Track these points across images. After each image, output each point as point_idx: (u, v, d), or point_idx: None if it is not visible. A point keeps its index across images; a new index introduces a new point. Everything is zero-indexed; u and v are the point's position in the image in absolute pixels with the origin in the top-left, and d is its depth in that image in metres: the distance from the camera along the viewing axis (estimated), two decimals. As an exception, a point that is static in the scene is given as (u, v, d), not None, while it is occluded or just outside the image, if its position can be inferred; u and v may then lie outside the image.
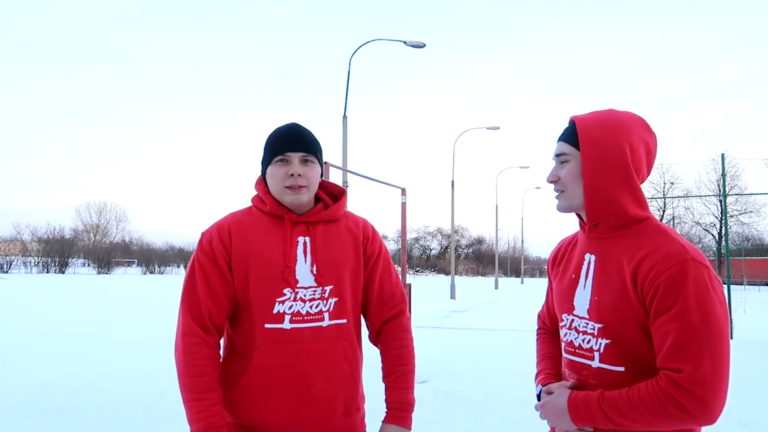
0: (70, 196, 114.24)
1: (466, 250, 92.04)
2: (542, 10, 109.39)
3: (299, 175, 1.72)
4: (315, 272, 1.73)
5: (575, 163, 1.48)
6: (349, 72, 16.28)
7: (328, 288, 1.74)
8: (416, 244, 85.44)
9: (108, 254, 67.45)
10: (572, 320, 1.53)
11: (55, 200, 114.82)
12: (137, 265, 72.83)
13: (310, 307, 1.72)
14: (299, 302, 1.71)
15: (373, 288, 1.85)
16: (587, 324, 1.48)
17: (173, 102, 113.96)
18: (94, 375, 7.07)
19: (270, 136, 1.80)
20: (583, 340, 1.49)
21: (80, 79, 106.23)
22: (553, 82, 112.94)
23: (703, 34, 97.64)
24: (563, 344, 1.58)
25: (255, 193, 1.85)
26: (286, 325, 1.69)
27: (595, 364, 1.46)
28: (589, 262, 1.51)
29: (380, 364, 1.87)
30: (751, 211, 38.17)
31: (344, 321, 1.76)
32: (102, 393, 6.10)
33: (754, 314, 16.94)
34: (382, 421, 1.79)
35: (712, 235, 41.87)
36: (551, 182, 1.54)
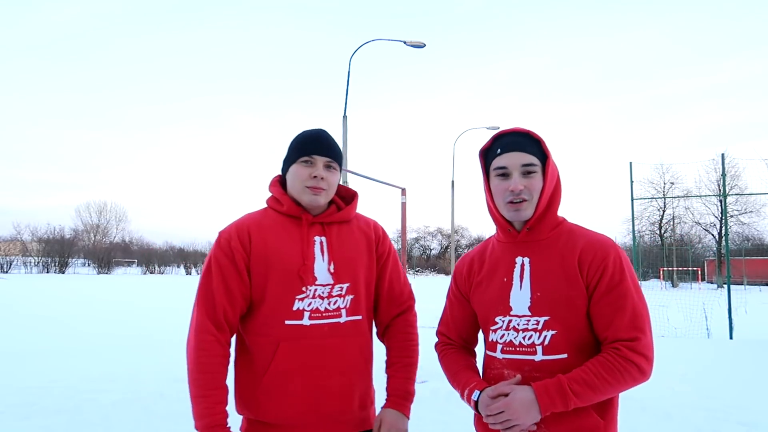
0: (70, 196, 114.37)
1: (466, 250, 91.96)
2: (542, 11, 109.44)
3: (322, 178, 1.79)
4: (332, 270, 1.79)
5: (539, 176, 1.63)
6: (349, 72, 16.28)
7: (344, 285, 1.81)
8: (416, 244, 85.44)
9: (108, 254, 67.51)
10: (509, 321, 1.63)
11: (55, 200, 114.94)
12: (137, 265, 72.87)
13: (328, 303, 1.77)
14: (318, 299, 1.76)
15: (384, 285, 1.93)
16: (528, 321, 1.60)
17: (173, 102, 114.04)
18: (94, 375, 7.07)
19: (298, 137, 1.87)
20: (524, 338, 1.60)
21: (80, 79, 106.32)
22: (553, 82, 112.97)
23: (703, 34, 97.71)
24: (499, 346, 1.65)
25: (269, 195, 1.90)
26: (306, 321, 1.74)
27: (538, 357, 1.58)
28: (522, 264, 1.64)
29: (384, 359, 1.91)
30: (751, 211, 38.15)
31: (360, 317, 1.83)
32: (102, 393, 6.09)
33: (754, 314, 16.93)
34: (382, 407, 1.85)
35: (712, 235, 41.87)
36: (518, 191, 1.61)
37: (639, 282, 1.61)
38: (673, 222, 41.74)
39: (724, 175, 13.77)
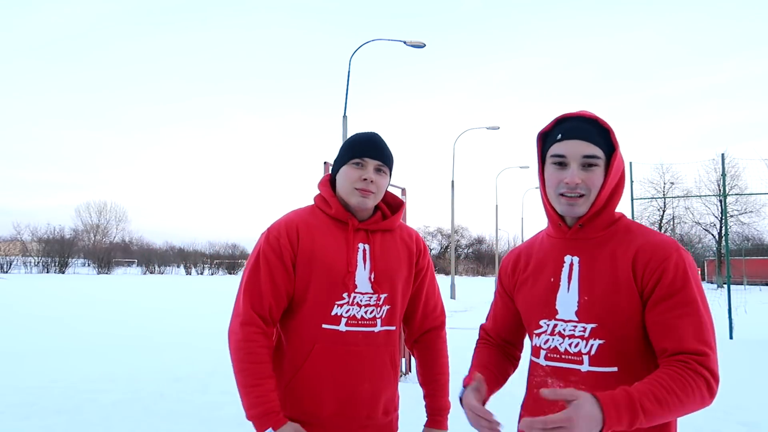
0: (70, 196, 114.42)
1: (466, 250, 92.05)
2: (542, 11, 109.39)
3: (372, 181, 1.79)
4: (372, 279, 1.81)
5: (601, 169, 1.43)
6: (349, 72, 16.28)
7: (383, 296, 1.82)
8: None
9: (108, 254, 67.51)
10: (555, 325, 1.47)
11: (55, 200, 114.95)
12: (137, 265, 72.85)
13: (365, 312, 1.79)
14: (355, 307, 1.78)
15: (420, 299, 1.96)
16: (575, 327, 1.44)
17: (173, 102, 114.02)
18: (94, 375, 7.07)
19: (351, 138, 1.88)
20: (569, 344, 1.44)
21: (81, 79, 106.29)
22: (553, 82, 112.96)
23: (703, 34, 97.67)
24: (543, 351, 1.50)
25: (317, 192, 1.91)
26: (342, 327, 1.76)
27: (585, 368, 1.41)
28: (571, 264, 1.47)
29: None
30: (751, 211, 38.15)
31: (393, 328, 1.86)
32: (102, 393, 6.09)
33: (754, 314, 16.94)
34: (425, 425, 1.92)
35: (712, 235, 41.88)
36: (573, 185, 1.42)
37: (705, 292, 1.39)
38: (673, 222, 41.72)
39: (724, 175, 13.76)
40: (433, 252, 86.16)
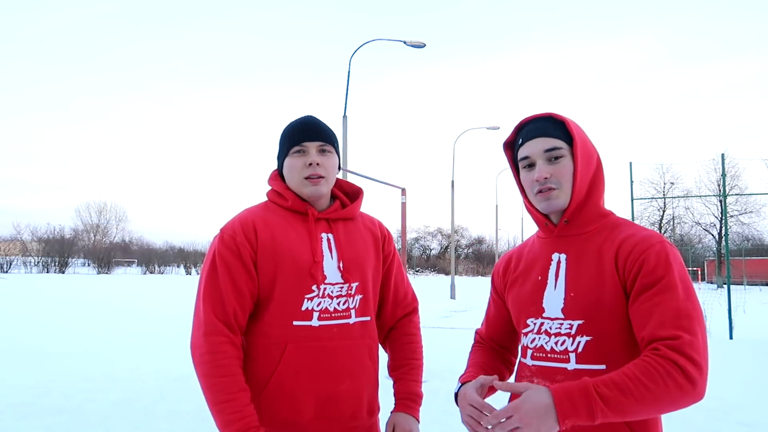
0: (70, 196, 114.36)
1: (466, 250, 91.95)
2: (542, 10, 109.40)
3: (317, 164, 1.70)
4: (341, 268, 1.71)
5: (568, 160, 1.46)
6: (349, 72, 16.27)
7: (354, 285, 1.72)
8: (416, 244, 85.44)
9: (108, 254, 67.54)
10: (542, 323, 1.46)
11: (55, 200, 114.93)
12: (137, 265, 72.88)
13: (338, 303, 1.69)
14: (327, 299, 1.67)
15: (389, 287, 1.87)
16: (561, 324, 1.42)
17: (173, 102, 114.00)
18: (94, 375, 7.06)
19: (286, 128, 1.78)
20: (556, 343, 1.43)
21: (81, 79, 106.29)
22: (553, 83, 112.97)
23: (703, 35, 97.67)
24: (529, 351, 1.49)
25: (269, 188, 1.81)
26: (315, 322, 1.65)
27: (572, 366, 1.39)
28: (558, 261, 1.48)
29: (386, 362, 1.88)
30: (751, 211, 38.11)
31: (368, 318, 1.76)
32: (102, 393, 6.09)
33: (754, 314, 16.93)
34: (392, 411, 1.79)
35: (712, 235, 41.85)
36: (543, 180, 1.44)
37: (692, 284, 1.36)
38: (673, 222, 41.70)
39: (724, 175, 13.76)
40: (433, 252, 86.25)
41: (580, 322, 1.40)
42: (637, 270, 1.34)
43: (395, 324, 1.89)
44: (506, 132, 1.60)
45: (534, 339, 1.47)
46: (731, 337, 11.25)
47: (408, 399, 1.79)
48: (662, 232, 42.62)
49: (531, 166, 1.48)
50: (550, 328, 1.44)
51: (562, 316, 1.43)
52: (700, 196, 38.49)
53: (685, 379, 1.21)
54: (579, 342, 1.39)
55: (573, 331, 1.40)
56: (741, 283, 38.83)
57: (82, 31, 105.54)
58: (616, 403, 1.18)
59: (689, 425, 4.98)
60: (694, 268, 40.93)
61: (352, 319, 1.70)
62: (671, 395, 1.20)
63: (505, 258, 1.66)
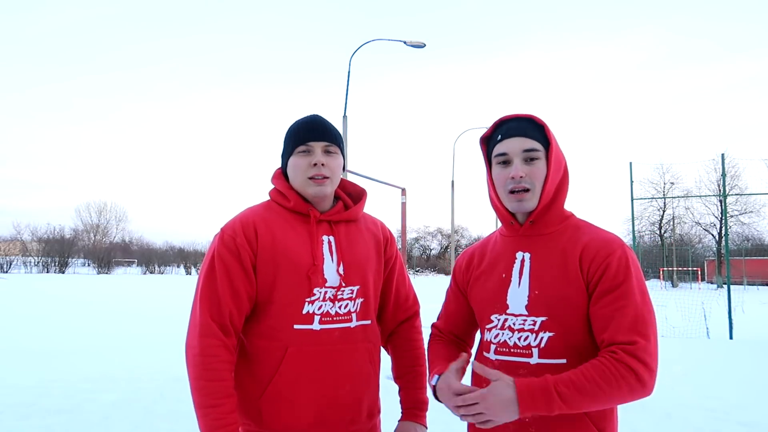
0: (70, 196, 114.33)
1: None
2: (542, 10, 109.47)
3: (323, 164, 1.68)
4: (342, 272, 1.69)
5: (543, 163, 1.53)
6: (349, 72, 16.26)
7: (354, 288, 1.71)
8: (416, 244, 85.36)
9: (108, 254, 67.49)
10: (505, 319, 1.52)
11: (55, 200, 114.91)
12: (137, 265, 72.87)
13: (339, 307, 1.67)
14: (328, 302, 1.66)
15: (391, 290, 1.86)
16: (525, 320, 1.49)
17: (173, 103, 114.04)
18: (94, 375, 7.06)
19: (291, 126, 1.76)
20: (519, 338, 1.49)
21: (81, 79, 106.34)
22: (553, 83, 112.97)
23: (702, 35, 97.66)
24: (492, 346, 1.53)
25: (272, 186, 1.79)
26: (316, 326, 1.64)
27: (534, 360, 1.46)
28: (522, 260, 1.54)
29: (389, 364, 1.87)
30: (751, 211, 38.19)
31: (369, 322, 1.74)
32: (102, 393, 6.09)
33: (753, 314, 16.92)
34: (399, 420, 1.80)
35: (712, 235, 41.89)
36: (518, 178, 1.50)
37: (646, 288, 1.47)
38: (673, 222, 41.77)
39: (724, 175, 13.77)
40: (433, 252, 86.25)
41: (543, 318, 1.47)
42: (600, 274, 1.44)
43: (397, 328, 1.88)
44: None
45: (498, 334, 1.53)
46: (731, 337, 11.26)
47: (414, 407, 1.81)
48: (662, 232, 42.67)
49: (506, 163, 1.54)
50: (514, 324, 1.50)
51: (526, 313, 1.49)
52: (700, 196, 38.59)
53: (636, 381, 1.34)
54: (542, 338, 1.47)
55: (536, 327, 1.47)
56: (741, 283, 38.83)
57: (83, 31, 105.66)
58: (572, 401, 1.32)
59: (689, 425, 4.99)
60: (694, 268, 40.92)
61: (354, 323, 1.69)
62: (622, 394, 1.34)
63: (468, 254, 1.72)
